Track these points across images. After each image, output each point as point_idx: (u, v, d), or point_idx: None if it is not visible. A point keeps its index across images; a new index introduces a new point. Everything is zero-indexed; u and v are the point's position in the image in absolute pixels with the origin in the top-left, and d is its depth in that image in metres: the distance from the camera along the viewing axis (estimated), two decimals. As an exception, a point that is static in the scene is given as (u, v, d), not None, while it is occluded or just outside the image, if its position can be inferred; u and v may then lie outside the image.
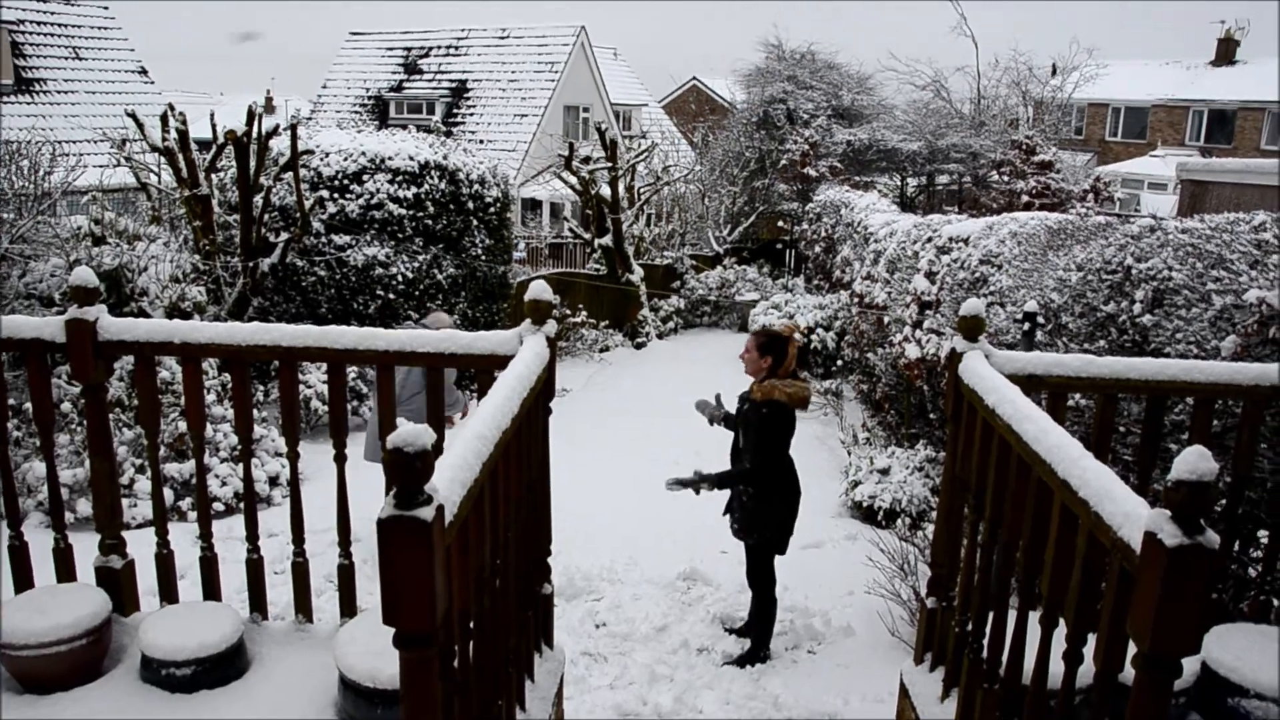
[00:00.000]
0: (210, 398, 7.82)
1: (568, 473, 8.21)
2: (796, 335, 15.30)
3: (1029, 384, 3.26)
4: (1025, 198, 17.27)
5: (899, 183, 24.23)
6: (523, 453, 2.93)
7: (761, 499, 4.70)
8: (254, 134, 9.39)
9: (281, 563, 5.13)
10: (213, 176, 9.85)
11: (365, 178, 10.63)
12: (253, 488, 3.42)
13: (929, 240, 8.92)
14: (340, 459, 3.35)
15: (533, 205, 28.98)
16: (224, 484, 7.03)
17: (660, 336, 19.38)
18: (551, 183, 24.00)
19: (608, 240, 18.23)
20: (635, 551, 6.70)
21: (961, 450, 3.48)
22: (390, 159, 10.81)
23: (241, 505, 5.23)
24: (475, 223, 11.53)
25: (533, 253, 24.42)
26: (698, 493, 4.60)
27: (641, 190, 21.59)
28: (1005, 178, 18.61)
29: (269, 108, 41.68)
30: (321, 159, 10.60)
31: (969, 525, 3.34)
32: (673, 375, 14.56)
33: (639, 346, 18.03)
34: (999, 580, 3.01)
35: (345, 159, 10.66)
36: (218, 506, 6.92)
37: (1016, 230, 7.25)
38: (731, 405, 5.24)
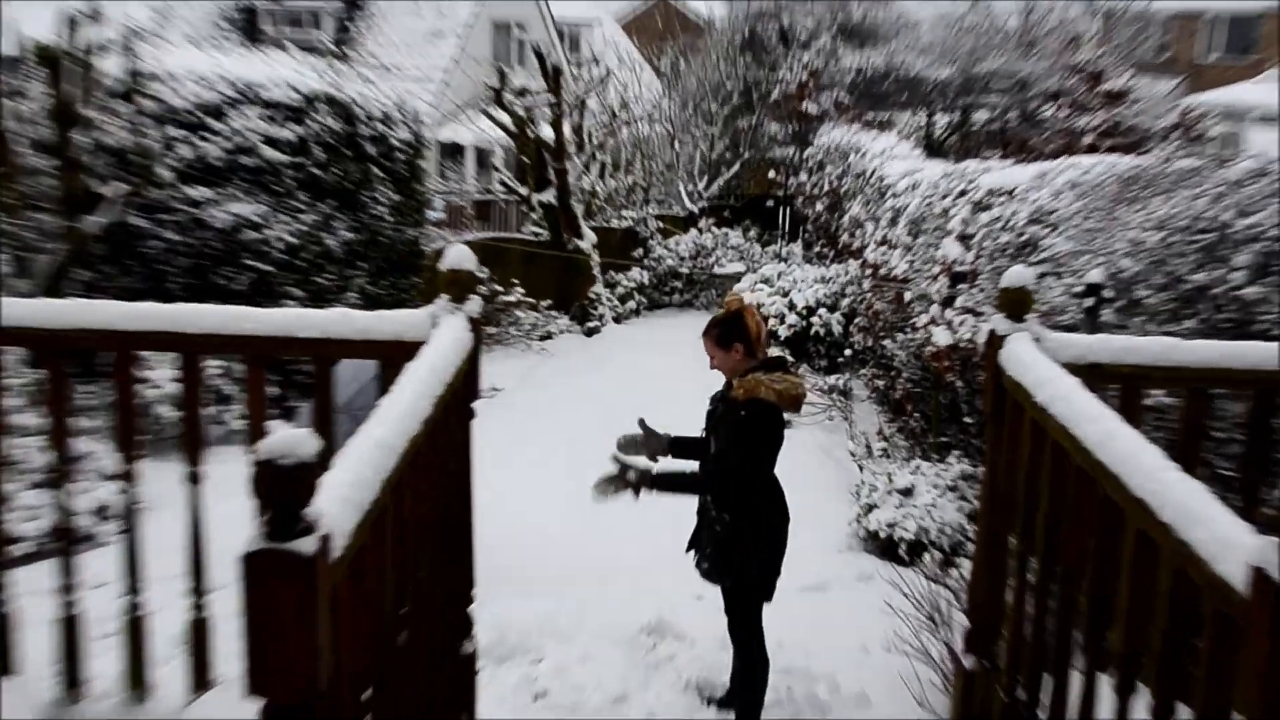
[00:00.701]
0: (12, 401, 7.56)
1: (498, 493, 8.16)
2: (748, 298, 15.37)
3: (1092, 375, 3.28)
4: (1089, 138, 17.46)
5: (924, 121, 24.45)
6: (438, 467, 2.92)
7: (739, 527, 4.69)
8: (75, 49, 9.21)
9: (114, 621, 5.00)
10: (12, 105, 9.61)
11: (230, 112, 10.46)
12: (71, 521, 3.35)
13: (963, 194, 9.00)
14: (195, 480, 3.30)
15: (453, 151, 28.81)
16: (32, 518, 6.82)
17: (618, 320, 19.45)
18: (478, 122, 23.86)
19: (550, 196, 18.21)
20: (586, 596, 6.67)
21: (1005, 461, 3.49)
22: (264, 88, 10.66)
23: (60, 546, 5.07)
24: (378, 173, 11.42)
25: (453, 212, 24.32)
26: (636, 495, 4.57)
27: (593, 132, 21.60)
28: (1063, 113, 18.84)
29: (95, 16, 41.11)
30: (171, 86, 10.42)
31: (1017, 560, 3.36)
32: (633, 370, 14.66)
33: (590, 333, 18.08)
34: (1058, 632, 3.02)
35: (203, 87, 10.48)
36: (23, 548, 6.69)
37: (1077, 179, 7.32)
38: (694, 398, 5.25)
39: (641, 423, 5.06)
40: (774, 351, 13.95)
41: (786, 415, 4.65)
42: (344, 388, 6.07)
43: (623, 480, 4.46)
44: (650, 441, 5.02)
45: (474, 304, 3.35)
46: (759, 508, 4.64)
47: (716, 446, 4.60)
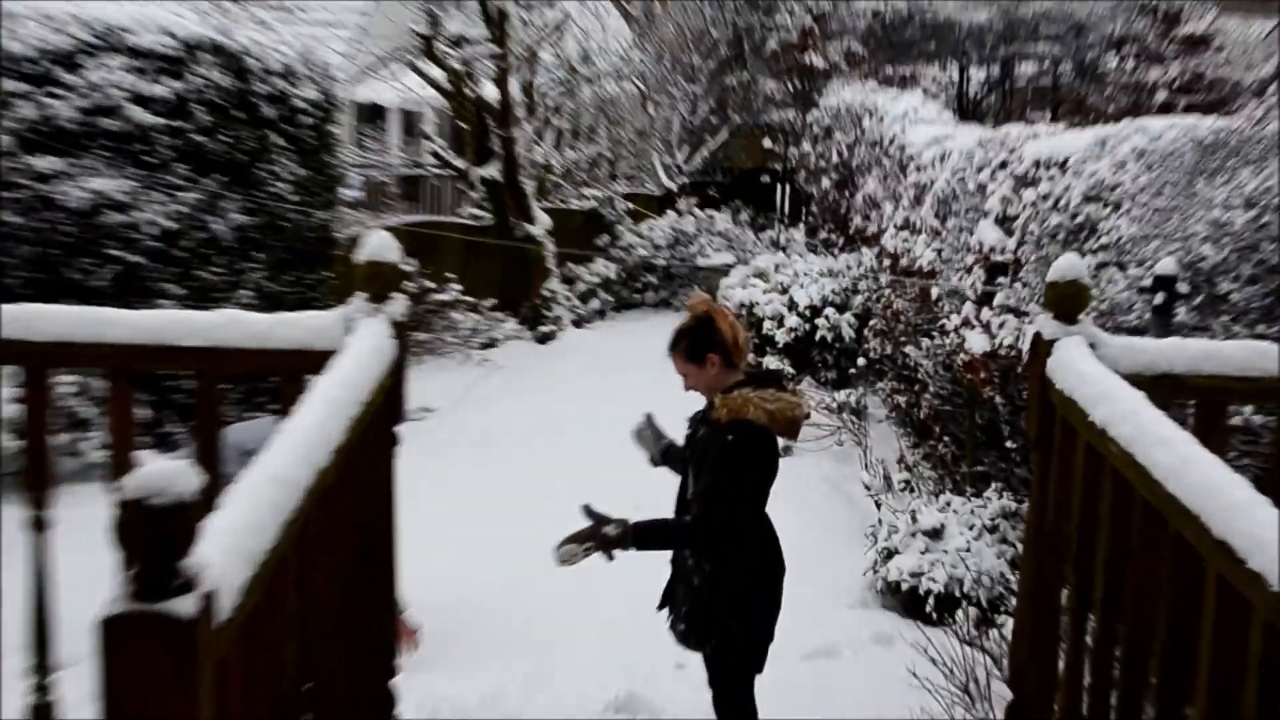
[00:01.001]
0: None
1: (428, 539, 8.14)
2: (738, 297, 15.68)
3: (1163, 388, 3.32)
4: (1162, 93, 17.50)
5: (955, 77, 24.60)
6: (353, 506, 2.92)
7: (721, 582, 4.68)
8: None
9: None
10: None
11: (87, 63, 10.36)
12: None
13: (1003, 166, 9.06)
14: (40, 526, 3.27)
15: (373, 114, 28.76)
16: None
17: (579, 323, 19.50)
18: (404, 78, 23.81)
19: (493, 171, 18.23)
20: (539, 665, 6.65)
21: (1054, 495, 3.50)
22: (131, 33, 10.57)
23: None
24: (278, 141, 11.39)
25: (374, 190, 24.25)
26: (610, 558, 4.55)
27: (548, 92, 21.63)
28: (1129, 64, 18.88)
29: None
30: (7, 28, 10.31)
31: (1071, 616, 3.37)
32: (597, 386, 14.71)
33: (544, 339, 18.12)
34: (1123, 707, 3.03)
35: (51, 29, 10.38)
36: None
37: (1145, 146, 7.36)
38: (674, 430, 5.25)
39: (649, 418, 5.17)
40: (771, 363, 14.09)
41: (782, 441, 4.66)
42: (234, 463, 6.00)
43: (596, 538, 4.44)
44: (656, 436, 5.14)
45: (399, 304, 3.36)
46: (746, 556, 4.64)
47: (699, 482, 4.60)
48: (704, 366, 4.64)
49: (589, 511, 4.50)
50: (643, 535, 4.42)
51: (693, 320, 4.70)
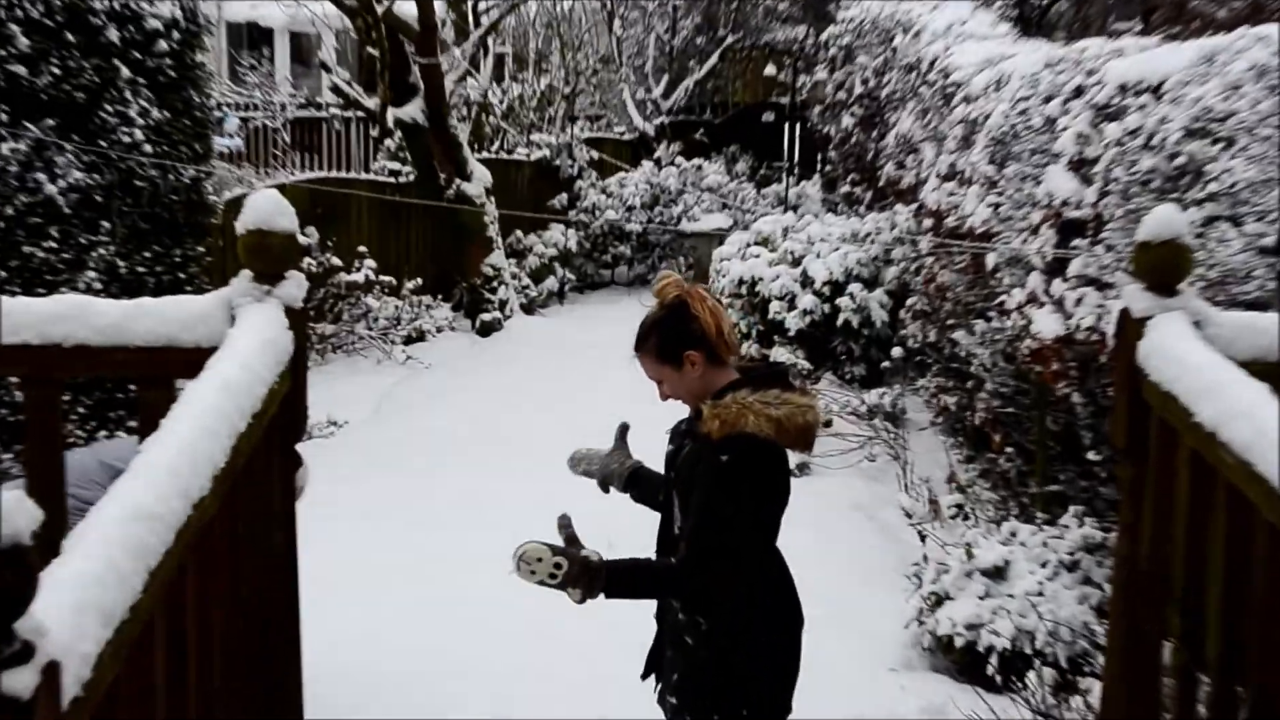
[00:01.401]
0: None
1: (336, 590, 8.10)
2: (734, 271, 15.63)
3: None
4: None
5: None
6: (241, 547, 2.93)
7: (720, 640, 4.68)
8: None
9: None
10: None
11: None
12: None
13: (1078, 94, 9.07)
14: None
15: (255, 38, 28.69)
16: None
17: (530, 308, 19.51)
18: (291, -11, 23.73)
19: (414, 112, 18.12)
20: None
21: (1151, 519, 3.51)
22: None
23: None
24: (128, 75, 11.33)
25: (255, 136, 24.17)
26: (579, 597, 4.51)
27: (484, 7, 21.54)
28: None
29: None
30: None
31: (1176, 677, 3.38)
32: (553, 390, 14.73)
33: (486, 330, 18.15)
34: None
35: None
36: None
37: (1266, 62, 7.36)
38: (650, 450, 5.24)
39: (622, 431, 5.25)
40: (780, 355, 14.11)
41: (794, 457, 4.67)
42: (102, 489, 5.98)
43: (575, 560, 4.41)
44: (609, 459, 5.20)
45: (295, 286, 3.38)
46: (754, 606, 4.64)
47: (687, 516, 4.59)
48: (682, 368, 4.60)
49: (567, 529, 4.51)
50: (616, 578, 4.38)
51: (662, 309, 4.66)
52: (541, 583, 4.32)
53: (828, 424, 12.55)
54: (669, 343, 4.60)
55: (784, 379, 4.65)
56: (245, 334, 3.07)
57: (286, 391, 3.20)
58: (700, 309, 4.60)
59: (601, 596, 4.35)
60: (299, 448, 3.44)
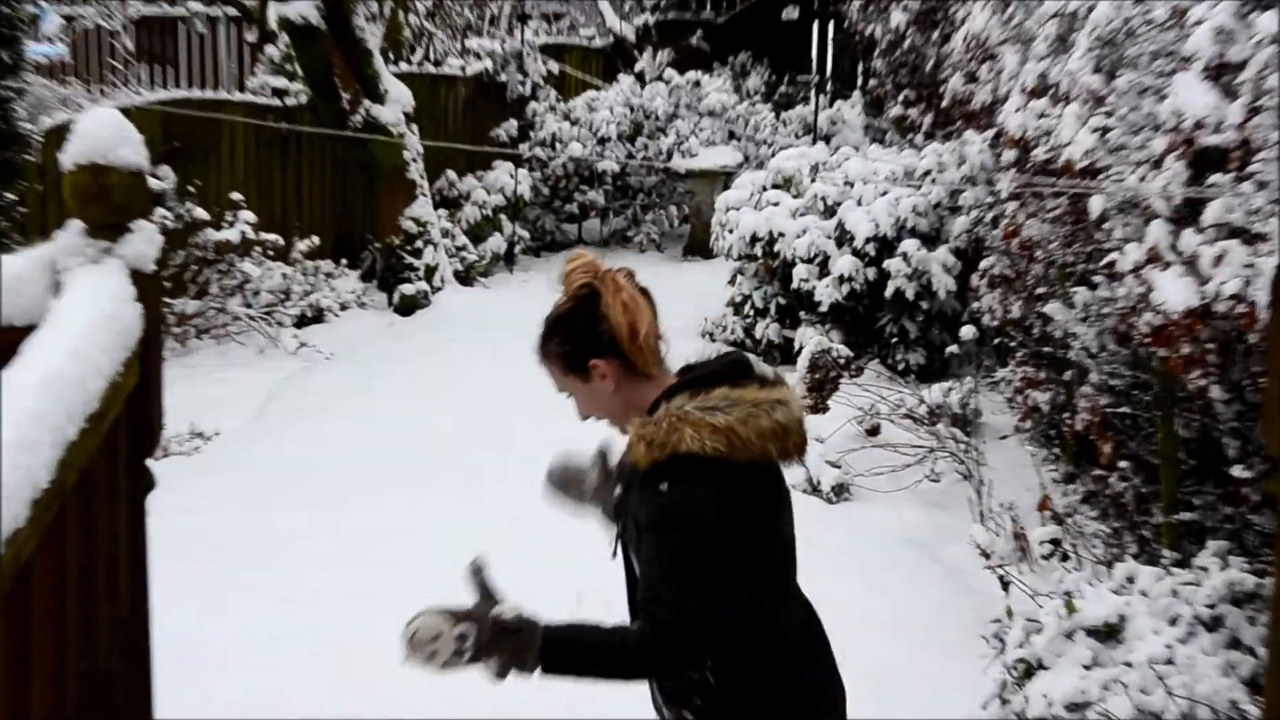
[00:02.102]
0: None
1: (211, 651, 8.08)
2: (744, 224, 15.60)
3: None
4: None
5: None
6: (72, 600, 2.88)
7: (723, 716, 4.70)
8: None
9: None
10: None
11: None
12: None
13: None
14: None
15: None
16: None
17: (467, 277, 19.40)
18: None
19: (306, 8, 18.01)
20: None
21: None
22: None
23: None
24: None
25: (84, 41, 24.07)
26: (499, 671, 4.45)
27: None
28: None
29: None
30: None
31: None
32: (499, 389, 14.58)
33: (408, 307, 18.13)
34: None
35: None
36: None
37: None
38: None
39: (601, 457, 5.23)
40: (809, 335, 14.06)
41: (787, 464, 4.67)
42: None
43: (484, 624, 4.36)
44: (587, 474, 5.21)
45: (145, 242, 3.34)
46: (759, 679, 4.67)
47: (640, 571, 4.64)
48: (590, 380, 4.66)
49: (479, 576, 4.50)
50: (554, 647, 4.37)
51: (568, 301, 4.74)
52: (447, 664, 4.30)
53: (873, 431, 12.55)
54: (573, 347, 4.69)
55: (733, 373, 4.69)
56: (75, 308, 3.00)
57: (134, 387, 3.14)
58: (613, 302, 4.63)
59: (536, 672, 4.33)
60: (151, 464, 3.39)
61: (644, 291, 4.66)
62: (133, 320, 3.15)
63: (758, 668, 4.63)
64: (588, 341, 4.65)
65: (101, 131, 3.34)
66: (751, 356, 4.85)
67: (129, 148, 3.31)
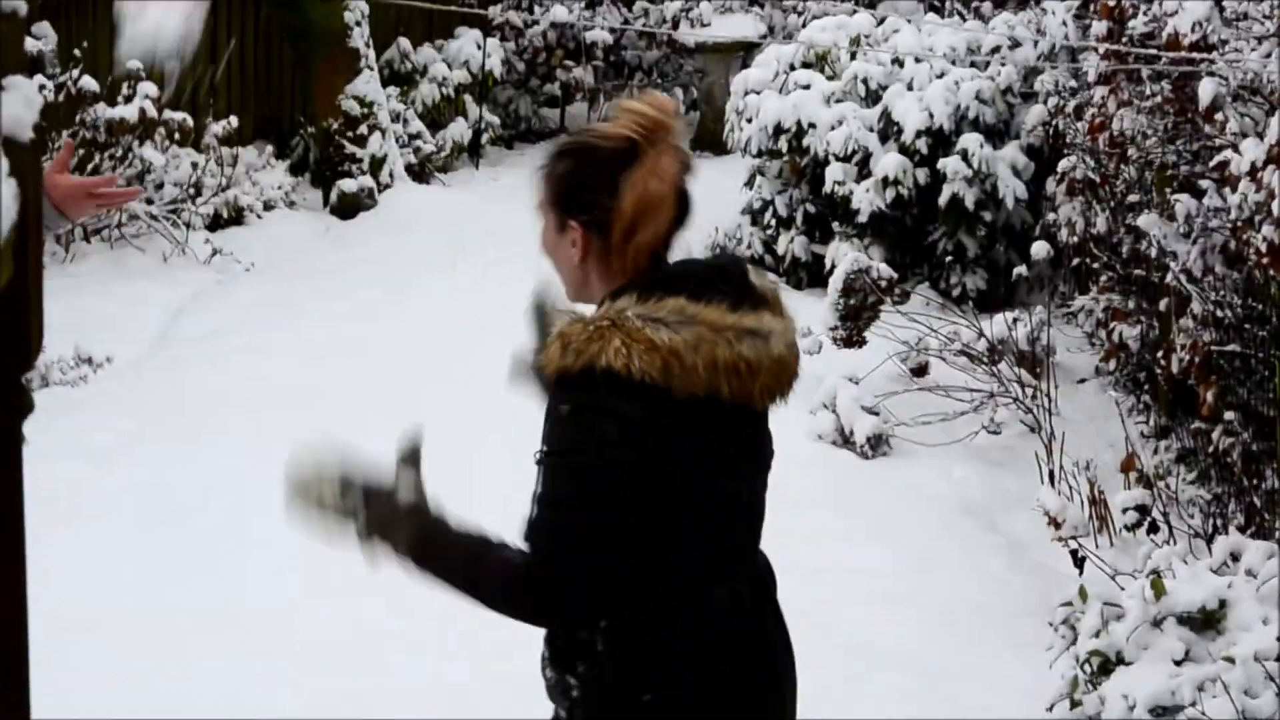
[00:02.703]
0: None
1: (101, 620, 8.12)
2: (767, 111, 15.55)
3: None
4: None
5: None
6: None
7: (605, 698, 4.75)
8: None
9: None
10: None
11: None
12: None
13: None
14: None
15: None
16: None
17: (422, 172, 19.26)
18: None
19: None
20: None
21: None
22: None
23: None
24: None
25: None
26: (370, 558, 4.54)
27: None
28: None
29: None
30: None
31: None
32: (457, 310, 14.67)
33: (348, 208, 18.05)
34: None
35: None
36: None
37: None
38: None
39: (538, 304, 5.30)
40: (844, 250, 14.08)
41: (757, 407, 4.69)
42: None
43: (368, 493, 4.49)
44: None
45: (21, 103, 3.32)
46: (657, 659, 4.74)
47: (533, 494, 4.72)
48: (563, 233, 4.76)
49: (413, 446, 4.71)
50: (431, 543, 4.59)
51: (601, 139, 4.77)
52: (321, 508, 4.57)
53: (920, 370, 12.56)
54: (566, 188, 4.75)
55: (705, 281, 4.73)
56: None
57: (7, 286, 3.15)
58: (641, 181, 4.65)
59: (408, 563, 4.52)
60: (26, 386, 3.41)
61: (683, 195, 4.68)
62: (6, 201, 3.15)
63: (660, 651, 4.68)
64: (582, 197, 4.71)
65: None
66: (752, 267, 4.83)
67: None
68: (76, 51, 15.91)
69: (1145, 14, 10.62)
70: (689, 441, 4.54)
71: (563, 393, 4.49)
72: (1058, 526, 9.76)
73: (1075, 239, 12.39)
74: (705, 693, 4.71)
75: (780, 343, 4.56)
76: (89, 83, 15.78)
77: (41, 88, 14.69)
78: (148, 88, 16.22)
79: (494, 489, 8.68)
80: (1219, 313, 9.69)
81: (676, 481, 4.54)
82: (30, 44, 10.35)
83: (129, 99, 16.08)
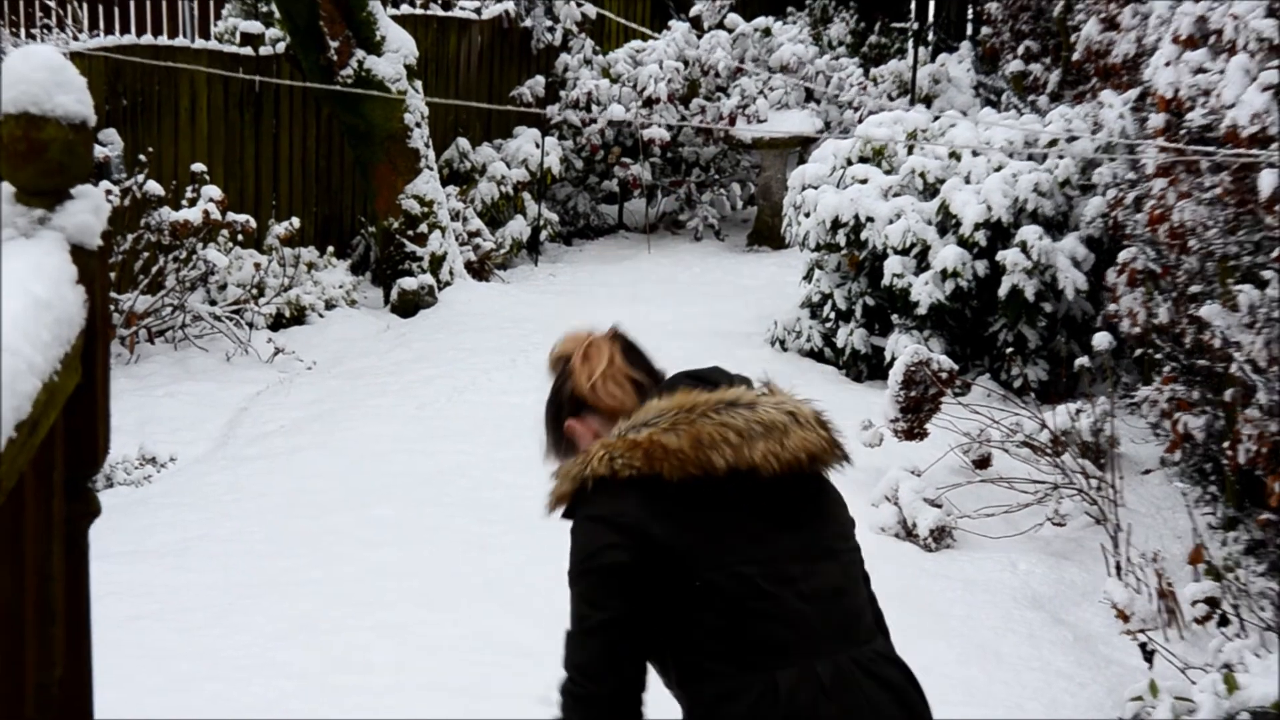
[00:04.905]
0: None
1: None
2: (825, 206, 15.59)
3: None
4: None
5: None
6: None
7: None
8: None
9: None
10: None
11: None
12: None
13: None
14: None
15: None
16: None
17: (481, 269, 19.26)
18: None
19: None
20: None
21: None
22: None
23: None
24: None
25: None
26: None
27: None
28: None
29: None
30: None
31: None
32: (514, 407, 14.40)
33: (408, 306, 18.08)
34: None
35: None
36: None
37: None
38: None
39: None
40: (904, 342, 14.03)
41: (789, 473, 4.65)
42: None
43: None
44: None
45: (90, 212, 3.34)
46: None
47: None
48: (573, 444, 4.96)
49: None
50: None
51: (552, 374, 5.13)
52: None
53: (982, 463, 12.50)
54: (553, 420, 5.08)
55: (675, 382, 4.90)
56: (3, 291, 2.99)
57: (74, 390, 3.13)
58: (577, 362, 4.98)
59: None
60: (93, 485, 3.38)
61: (618, 338, 4.96)
62: (74, 307, 3.14)
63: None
64: (559, 406, 5.01)
65: (35, 74, 3.32)
66: (722, 368, 4.98)
67: (70, 94, 3.29)
68: (142, 156, 16.00)
69: (1203, 106, 10.59)
70: (697, 524, 4.57)
71: (571, 521, 4.63)
72: (1126, 619, 9.68)
73: (1137, 329, 12.36)
74: None
75: (774, 410, 4.64)
76: (154, 187, 15.87)
77: (108, 193, 14.76)
78: (211, 190, 16.29)
79: (555, 589, 8.68)
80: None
81: (695, 566, 4.56)
82: (98, 150, 10.38)
83: (193, 202, 16.15)
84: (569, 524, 4.69)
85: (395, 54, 18.72)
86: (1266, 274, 9.72)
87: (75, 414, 3.23)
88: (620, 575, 4.51)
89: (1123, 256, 12.92)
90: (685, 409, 4.57)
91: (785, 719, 4.58)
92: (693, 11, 23.37)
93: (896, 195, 15.10)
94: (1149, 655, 9.07)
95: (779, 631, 4.63)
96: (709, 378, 4.86)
